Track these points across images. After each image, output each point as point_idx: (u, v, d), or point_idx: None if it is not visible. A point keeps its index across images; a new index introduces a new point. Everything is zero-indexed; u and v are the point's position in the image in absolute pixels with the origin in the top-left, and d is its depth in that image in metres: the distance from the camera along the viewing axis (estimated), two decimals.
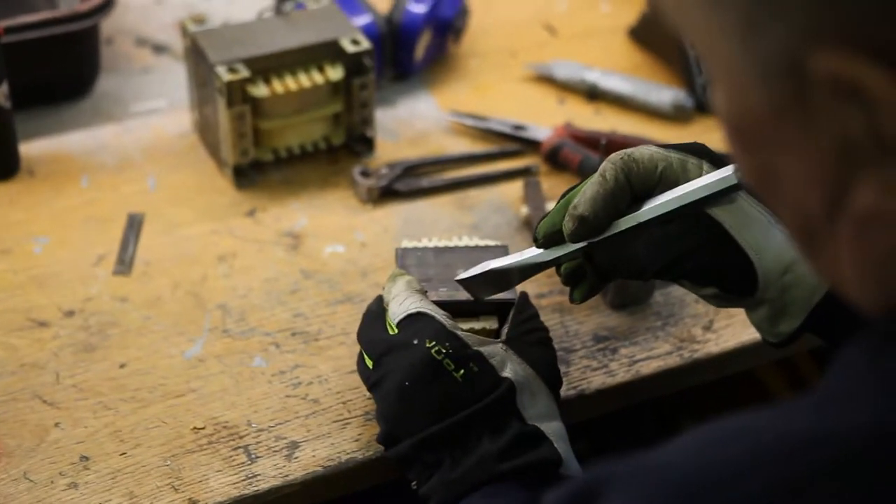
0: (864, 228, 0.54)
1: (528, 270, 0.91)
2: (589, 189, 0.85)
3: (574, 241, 0.87)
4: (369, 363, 0.92)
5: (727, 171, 0.84)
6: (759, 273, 0.85)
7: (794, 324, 0.85)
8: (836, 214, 0.55)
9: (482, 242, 1.02)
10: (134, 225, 1.14)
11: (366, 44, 1.18)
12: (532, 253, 0.90)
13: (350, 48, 1.17)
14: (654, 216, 0.85)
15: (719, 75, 0.57)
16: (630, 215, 0.86)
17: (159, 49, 1.37)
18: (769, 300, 0.85)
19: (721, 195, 0.84)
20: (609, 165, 0.86)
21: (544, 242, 0.88)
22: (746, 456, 0.53)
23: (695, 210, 0.85)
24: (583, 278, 0.90)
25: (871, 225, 0.54)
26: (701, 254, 0.85)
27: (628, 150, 0.86)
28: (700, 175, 0.85)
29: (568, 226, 0.86)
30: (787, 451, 0.53)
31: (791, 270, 0.84)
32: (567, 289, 0.91)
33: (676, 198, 0.85)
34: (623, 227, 0.86)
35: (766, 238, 0.85)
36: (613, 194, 0.85)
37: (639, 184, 0.85)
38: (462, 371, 0.88)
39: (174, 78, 1.32)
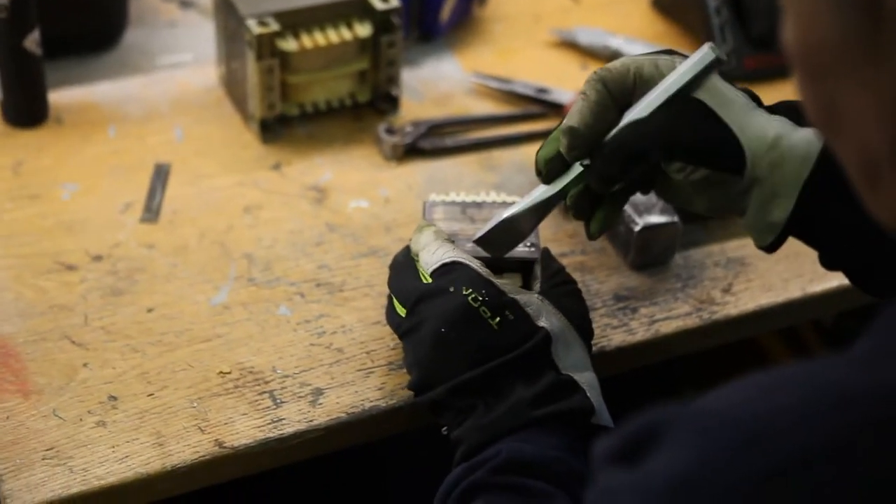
0: None
1: (539, 210, 0.92)
2: (574, 107, 0.90)
3: (572, 158, 0.90)
4: (402, 311, 0.92)
5: (702, 51, 0.88)
6: (745, 148, 0.87)
7: (787, 206, 0.86)
8: None
9: (510, 198, 1.03)
10: (161, 174, 1.15)
11: (394, 2, 1.19)
12: (539, 192, 0.92)
13: (379, 5, 1.18)
14: (643, 116, 0.88)
15: (791, 3, 0.57)
16: (619, 125, 0.89)
17: (185, 4, 1.38)
18: (759, 179, 0.87)
19: (702, 76, 0.88)
20: (586, 83, 0.91)
21: (546, 173, 0.91)
22: (806, 405, 0.54)
23: (681, 99, 0.88)
24: (591, 207, 0.92)
25: None
26: (690, 131, 0.87)
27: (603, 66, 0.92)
28: (674, 69, 0.89)
29: (563, 143, 0.89)
30: (845, 404, 0.53)
31: (776, 147, 0.86)
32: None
33: (660, 93, 0.88)
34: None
35: (746, 117, 0.88)
36: (598, 104, 0.89)
37: (617, 89, 0.90)
38: (498, 318, 0.89)
39: (200, 33, 1.33)
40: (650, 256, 1.08)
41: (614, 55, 1.32)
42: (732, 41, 1.31)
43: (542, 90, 1.26)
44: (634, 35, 1.35)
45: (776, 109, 0.89)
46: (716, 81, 0.88)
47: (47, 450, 0.91)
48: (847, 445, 0.52)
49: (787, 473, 0.52)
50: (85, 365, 0.97)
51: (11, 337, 0.99)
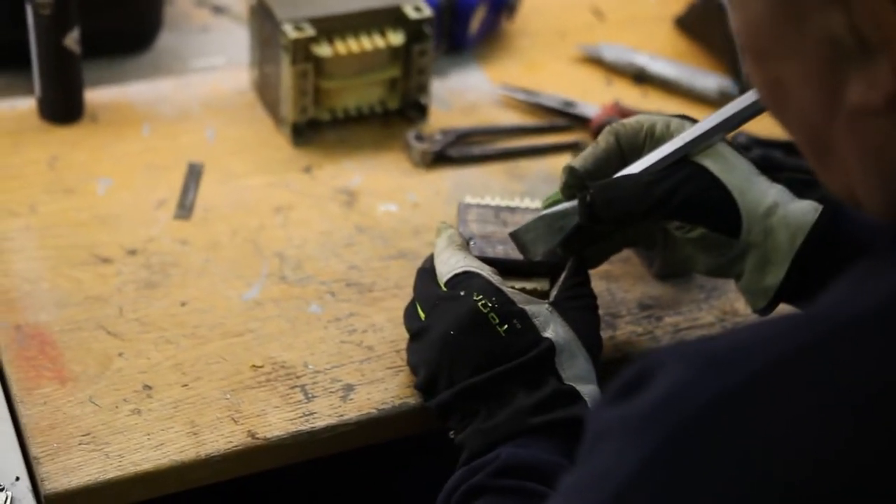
0: (856, 123, 0.59)
1: (566, 217, 0.97)
2: (583, 151, 0.97)
3: (567, 196, 0.96)
4: (422, 315, 0.95)
5: (708, 122, 0.93)
6: (742, 212, 0.91)
7: (779, 273, 0.91)
8: (835, 115, 0.60)
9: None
10: (194, 173, 1.17)
11: (427, 11, 1.21)
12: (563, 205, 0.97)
13: (412, 15, 1.21)
14: (643, 168, 0.94)
15: None
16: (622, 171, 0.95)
17: (218, 10, 1.40)
18: (754, 244, 0.91)
19: (708, 139, 0.93)
20: (602, 132, 0.96)
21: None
22: (762, 333, 0.58)
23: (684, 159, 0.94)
24: (582, 244, 0.98)
25: (862, 119, 0.59)
26: (688, 188, 0.92)
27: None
28: (682, 132, 0.94)
29: (562, 179, 0.96)
30: (817, 322, 0.58)
31: (772, 213, 0.91)
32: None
33: (662, 150, 0.93)
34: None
35: (747, 182, 0.92)
36: (605, 151, 0.95)
37: (627, 144, 0.96)
38: (505, 326, 0.91)
39: (231, 37, 1.36)
40: (674, 266, 1.10)
41: (639, 72, 1.34)
42: None
43: (568, 103, 1.29)
44: (658, 52, 1.37)
45: (779, 179, 0.93)
46: (722, 148, 0.93)
47: (84, 435, 0.92)
48: (789, 364, 0.56)
49: (739, 392, 0.55)
50: (120, 354, 0.99)
51: (48, 325, 1.00)
